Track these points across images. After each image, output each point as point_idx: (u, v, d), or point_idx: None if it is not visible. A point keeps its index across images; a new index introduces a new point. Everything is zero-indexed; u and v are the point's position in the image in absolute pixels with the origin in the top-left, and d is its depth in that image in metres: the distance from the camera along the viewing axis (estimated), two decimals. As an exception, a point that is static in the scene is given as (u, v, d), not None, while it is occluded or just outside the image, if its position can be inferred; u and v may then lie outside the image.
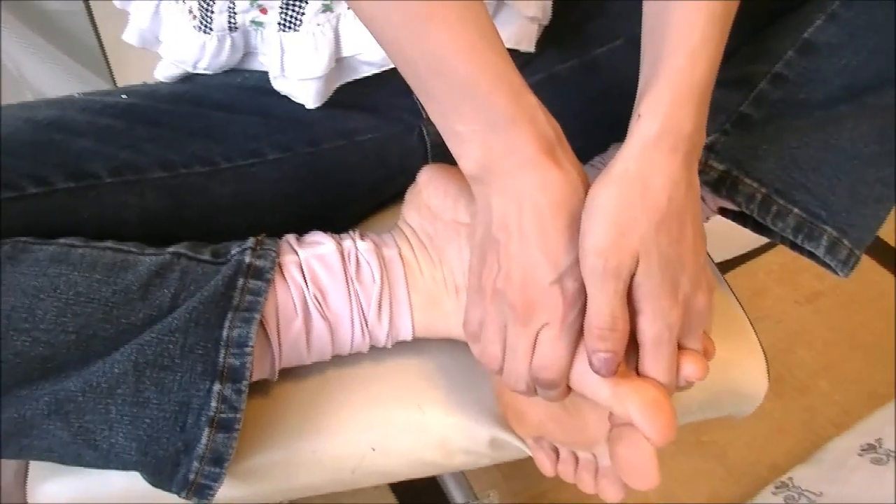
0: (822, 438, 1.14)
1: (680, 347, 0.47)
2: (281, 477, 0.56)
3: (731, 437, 1.20)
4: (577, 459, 0.55)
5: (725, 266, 1.44)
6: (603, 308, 0.44)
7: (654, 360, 0.46)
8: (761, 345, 0.65)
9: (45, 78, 1.01)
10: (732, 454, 1.18)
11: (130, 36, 0.62)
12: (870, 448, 0.68)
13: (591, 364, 0.45)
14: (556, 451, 0.56)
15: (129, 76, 0.85)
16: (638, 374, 0.47)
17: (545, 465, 0.56)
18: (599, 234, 0.43)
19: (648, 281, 0.44)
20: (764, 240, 0.76)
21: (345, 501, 1.08)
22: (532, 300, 0.45)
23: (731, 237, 1.42)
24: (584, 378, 0.47)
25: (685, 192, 0.45)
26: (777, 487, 0.67)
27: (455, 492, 0.93)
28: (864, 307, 1.41)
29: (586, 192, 0.46)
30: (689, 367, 0.47)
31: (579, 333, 0.46)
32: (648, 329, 0.45)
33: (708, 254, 0.68)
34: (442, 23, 0.43)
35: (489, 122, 0.44)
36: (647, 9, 0.49)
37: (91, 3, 0.83)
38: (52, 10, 0.97)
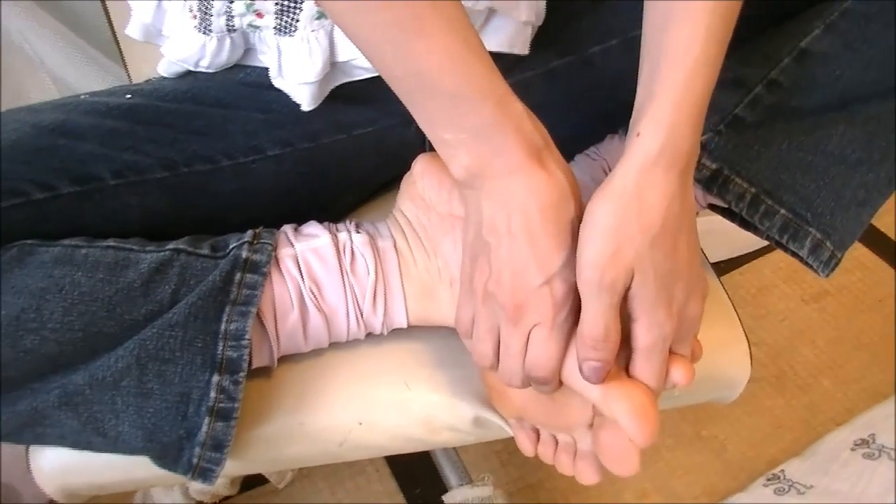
0: (822, 436, 1.13)
1: (670, 352, 0.49)
2: (272, 449, 0.58)
3: (731, 432, 1.21)
4: (556, 441, 0.56)
5: (732, 263, 1.44)
6: (597, 319, 0.46)
7: (645, 366, 0.48)
8: (745, 331, 0.66)
9: (63, 64, 1.03)
10: (731, 449, 1.19)
11: (133, 30, 0.63)
12: (863, 443, 0.69)
13: (581, 371, 0.47)
14: (537, 432, 0.57)
15: (142, 64, 0.87)
16: (628, 373, 0.49)
17: (525, 445, 0.57)
18: (596, 249, 0.45)
19: (644, 293, 0.46)
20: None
21: (346, 484, 1.12)
22: (522, 302, 0.47)
23: (738, 235, 1.42)
24: (575, 375, 0.49)
25: (680, 207, 0.47)
26: (768, 480, 0.68)
27: (451, 476, 0.95)
28: (869, 308, 1.40)
29: (574, 194, 0.47)
30: (678, 373, 0.49)
31: (570, 332, 0.48)
32: (643, 338, 0.47)
33: (703, 253, 0.70)
34: (425, 37, 0.43)
35: (476, 131, 0.45)
36: (648, 21, 0.49)
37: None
38: (69, -1, 1.00)
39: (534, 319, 0.47)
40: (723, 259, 1.44)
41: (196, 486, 0.95)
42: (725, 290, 0.69)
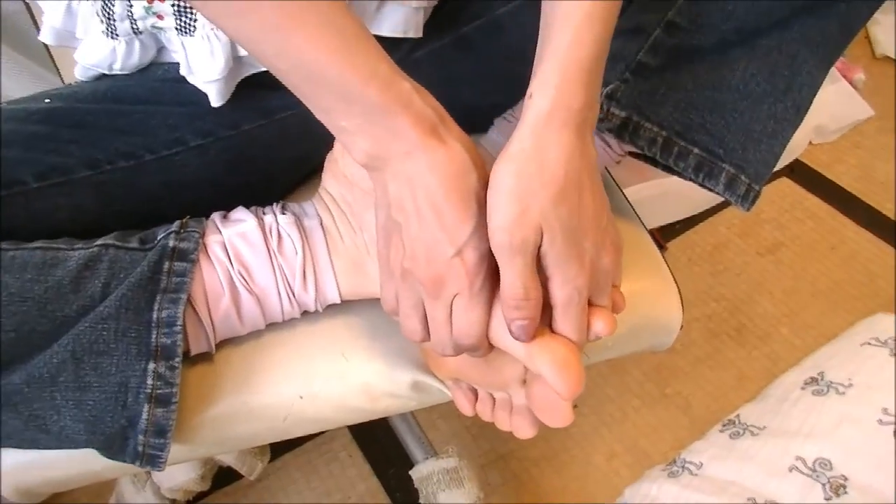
0: (782, 382, 1.19)
1: (590, 304, 0.51)
2: (219, 430, 0.59)
3: (695, 387, 1.24)
4: (493, 399, 0.58)
5: (688, 222, 1.47)
6: (515, 280, 0.47)
7: (565, 321, 0.50)
8: (674, 278, 0.68)
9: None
10: (696, 404, 1.22)
11: (46, 35, 0.63)
12: (812, 381, 0.70)
13: (510, 332, 0.49)
14: (475, 392, 0.59)
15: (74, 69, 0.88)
16: (551, 330, 0.50)
17: (464, 405, 0.59)
18: (503, 212, 0.46)
19: (553, 250, 0.47)
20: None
21: (321, 471, 1.13)
22: (438, 275, 0.48)
23: (692, 196, 1.45)
24: (502, 336, 0.50)
25: (580, 163, 0.48)
26: (724, 425, 0.69)
27: (416, 451, 0.96)
28: (822, 256, 1.43)
29: (475, 162, 0.48)
30: (599, 324, 0.51)
31: (491, 296, 0.50)
32: (559, 293, 0.49)
33: (637, 215, 0.71)
34: (300, 30, 0.44)
35: (367, 116, 0.46)
36: None
37: (31, 1, 0.85)
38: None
39: (453, 290, 0.49)
40: (679, 219, 1.46)
41: (167, 485, 0.96)
42: (654, 238, 0.70)
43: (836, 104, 1.63)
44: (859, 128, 1.67)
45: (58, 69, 0.90)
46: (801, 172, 1.59)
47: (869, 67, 1.79)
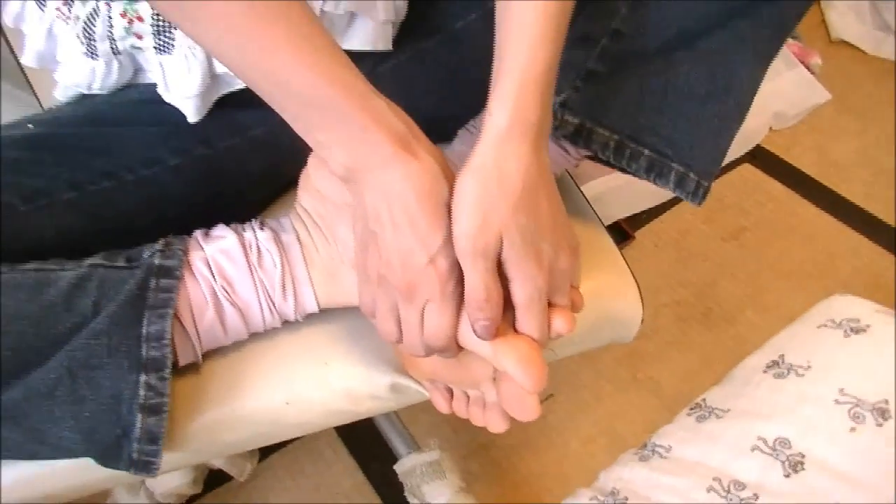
0: (747, 364, 1.23)
1: (550, 304, 0.55)
2: (209, 437, 0.63)
3: (665, 371, 1.29)
4: (468, 397, 0.62)
5: (654, 212, 1.51)
6: (478, 284, 0.51)
7: (526, 320, 0.54)
8: (633, 274, 0.71)
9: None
10: (666, 387, 1.27)
11: (28, 58, 0.66)
12: (773, 364, 0.73)
13: (474, 331, 0.53)
14: (451, 391, 0.63)
15: (53, 91, 0.90)
16: (515, 330, 0.54)
17: (441, 404, 0.63)
18: (466, 221, 0.50)
19: (513, 254, 0.51)
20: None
21: (307, 470, 1.16)
22: (412, 281, 0.52)
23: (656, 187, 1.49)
24: (469, 338, 0.54)
25: (536, 173, 0.52)
26: (691, 409, 0.73)
27: (399, 446, 1.00)
28: (783, 237, 1.49)
29: (445, 173, 0.52)
30: (558, 322, 0.55)
31: (460, 302, 0.53)
32: (519, 294, 0.53)
33: (597, 216, 0.75)
34: (275, 50, 0.47)
35: (344, 130, 0.49)
36: (497, 7, 0.54)
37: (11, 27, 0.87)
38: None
39: (425, 295, 0.52)
40: (646, 208, 1.50)
41: (161, 490, 0.99)
42: (611, 236, 0.74)
43: (795, 90, 1.68)
44: (817, 111, 1.72)
45: (33, 90, 0.92)
46: (761, 158, 1.64)
47: (825, 51, 1.84)
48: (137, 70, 0.67)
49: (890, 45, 1.89)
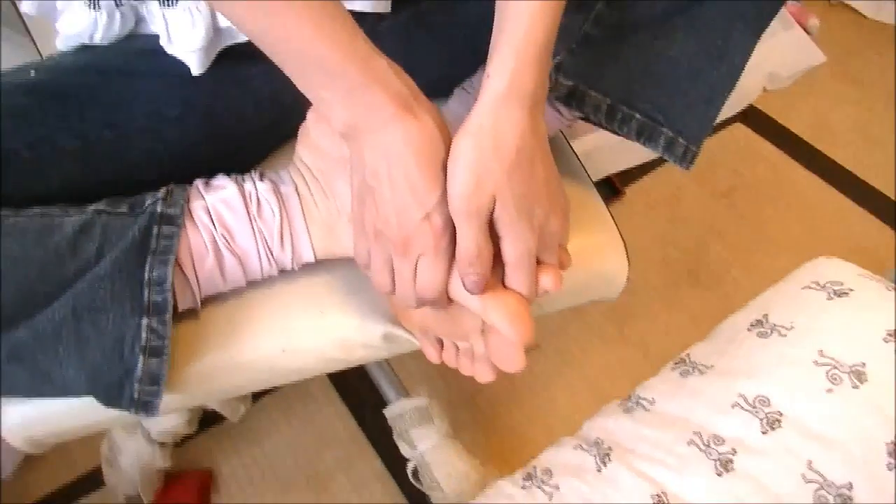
0: (732, 323, 1.26)
1: (539, 262, 0.57)
2: (208, 382, 0.65)
3: (652, 328, 1.32)
4: (457, 348, 0.64)
5: (645, 168, 1.52)
6: (470, 241, 0.54)
7: (515, 277, 0.56)
8: (620, 234, 0.73)
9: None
10: (652, 344, 1.30)
11: (28, 6, 0.66)
12: (757, 323, 0.74)
13: (464, 285, 0.55)
14: (441, 342, 0.65)
15: (52, 38, 0.90)
16: (504, 285, 0.57)
17: (431, 354, 0.65)
18: (461, 181, 0.52)
19: (506, 215, 0.54)
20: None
21: (299, 412, 1.19)
22: (407, 236, 0.54)
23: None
24: (460, 291, 0.56)
25: (531, 138, 0.54)
26: (675, 363, 0.75)
27: (389, 391, 1.03)
28: (773, 199, 1.50)
29: (443, 134, 0.54)
30: (546, 279, 0.58)
31: (452, 257, 0.56)
32: (510, 252, 0.55)
33: (589, 176, 0.76)
34: (286, 11, 0.49)
35: (347, 90, 0.51)
36: None
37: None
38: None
39: (419, 250, 0.55)
40: (637, 164, 1.51)
41: (157, 429, 1.01)
42: (601, 196, 0.76)
43: (789, 50, 1.67)
44: (815, 76, 1.72)
45: (32, 38, 0.92)
46: (754, 118, 1.64)
47: (824, 14, 1.84)
48: (139, 20, 0.67)
49: (890, 11, 1.89)
